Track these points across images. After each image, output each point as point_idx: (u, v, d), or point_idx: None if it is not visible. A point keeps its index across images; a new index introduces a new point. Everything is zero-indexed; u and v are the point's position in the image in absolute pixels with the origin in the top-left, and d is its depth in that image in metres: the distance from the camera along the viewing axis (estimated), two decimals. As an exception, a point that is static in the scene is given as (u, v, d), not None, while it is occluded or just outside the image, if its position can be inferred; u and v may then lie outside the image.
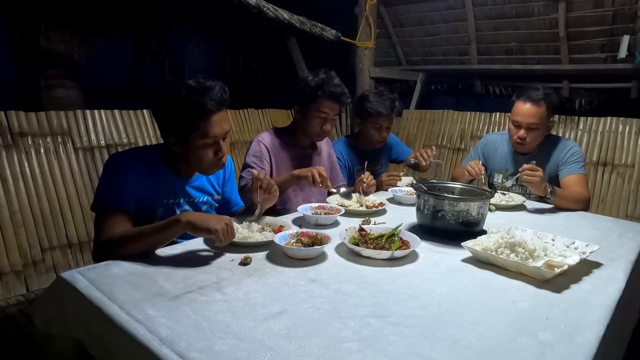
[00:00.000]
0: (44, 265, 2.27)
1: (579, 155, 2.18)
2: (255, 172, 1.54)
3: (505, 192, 2.17)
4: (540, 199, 2.13)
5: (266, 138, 2.04)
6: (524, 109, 2.12)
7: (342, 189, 1.97)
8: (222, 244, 1.26)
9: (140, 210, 1.43)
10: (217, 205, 1.69)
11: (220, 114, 1.39)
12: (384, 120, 2.47)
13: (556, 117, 3.53)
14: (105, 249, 1.27)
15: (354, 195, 1.96)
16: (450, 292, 1.12)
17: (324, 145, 2.27)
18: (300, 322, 0.94)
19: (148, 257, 1.26)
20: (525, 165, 1.93)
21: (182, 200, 1.55)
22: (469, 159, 2.54)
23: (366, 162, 2.24)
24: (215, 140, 1.40)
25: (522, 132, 2.14)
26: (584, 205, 2.06)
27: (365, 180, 2.03)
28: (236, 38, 4.99)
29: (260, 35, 4.95)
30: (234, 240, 1.35)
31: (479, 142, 2.56)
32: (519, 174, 1.96)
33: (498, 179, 2.39)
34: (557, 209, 2.02)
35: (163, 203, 1.50)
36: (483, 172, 2.22)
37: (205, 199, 1.63)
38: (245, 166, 1.98)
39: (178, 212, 1.54)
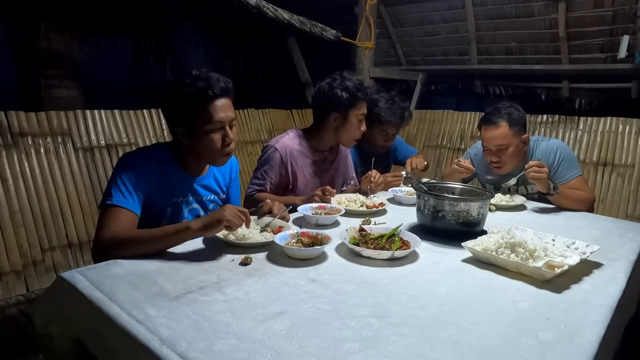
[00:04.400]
0: (44, 265, 2.27)
1: (568, 158, 2.11)
2: (273, 206, 1.58)
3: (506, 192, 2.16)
4: (541, 198, 2.12)
5: (286, 145, 1.98)
6: (487, 134, 2.08)
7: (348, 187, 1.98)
8: (238, 225, 1.28)
9: (150, 210, 1.45)
10: (222, 204, 1.71)
11: (224, 100, 1.44)
12: (392, 128, 2.47)
13: (556, 117, 3.54)
14: (106, 248, 1.27)
15: (355, 195, 1.96)
16: (450, 292, 1.12)
17: (342, 148, 2.23)
18: (300, 322, 0.94)
19: (148, 257, 1.25)
20: (531, 162, 1.88)
21: (191, 198, 1.58)
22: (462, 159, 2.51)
23: (373, 160, 2.23)
24: (221, 125, 1.44)
25: (494, 157, 2.09)
26: (588, 206, 2.04)
27: (372, 178, 2.02)
28: (236, 38, 4.99)
29: (260, 35, 4.96)
30: (234, 241, 1.35)
31: (470, 148, 2.51)
32: (521, 173, 1.95)
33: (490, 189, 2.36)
34: (557, 209, 2.02)
35: (172, 202, 1.52)
36: (468, 164, 2.18)
37: (212, 198, 1.65)
38: (256, 174, 1.98)
39: (186, 211, 1.57)
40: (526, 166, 1.90)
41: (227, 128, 1.46)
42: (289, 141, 2.00)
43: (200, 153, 1.50)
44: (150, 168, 1.45)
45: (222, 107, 1.43)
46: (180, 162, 1.54)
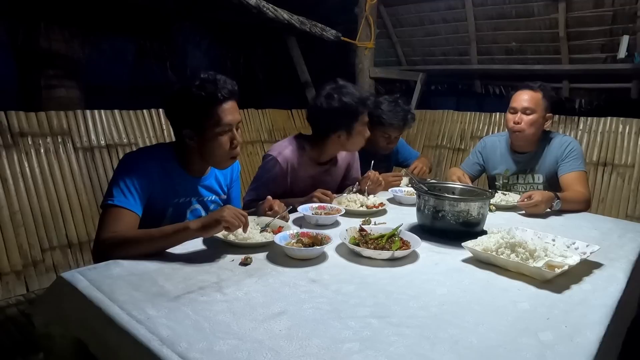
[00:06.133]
0: (44, 265, 2.27)
1: (577, 151, 2.18)
2: (274, 204, 1.58)
3: (505, 192, 2.17)
4: None
5: (288, 158, 1.93)
6: (520, 94, 2.20)
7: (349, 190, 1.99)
8: (237, 226, 1.27)
9: (151, 210, 1.45)
10: (223, 205, 1.70)
11: (232, 103, 1.46)
12: (394, 131, 2.47)
13: (556, 117, 3.54)
14: (106, 248, 1.27)
15: (355, 195, 1.96)
16: (450, 292, 1.12)
17: (343, 153, 2.19)
18: (300, 322, 0.94)
19: (148, 257, 1.25)
20: (520, 204, 1.88)
21: (193, 198, 1.58)
22: (467, 162, 2.53)
23: (372, 162, 2.23)
24: (229, 128, 1.45)
25: (517, 117, 2.17)
26: (586, 205, 2.06)
27: (370, 178, 2.01)
28: (237, 38, 4.99)
29: (261, 35, 4.95)
30: (234, 241, 1.35)
31: (477, 144, 2.55)
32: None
33: (499, 180, 2.39)
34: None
35: (174, 202, 1.52)
36: (468, 181, 2.18)
37: (213, 198, 1.66)
38: (257, 182, 1.95)
39: (188, 211, 1.57)
40: (518, 203, 1.90)
41: (235, 130, 1.47)
42: (291, 154, 1.95)
43: (207, 156, 1.50)
44: (152, 168, 1.45)
45: (230, 110, 1.44)
46: (182, 163, 1.54)
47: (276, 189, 1.92)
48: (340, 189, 2.23)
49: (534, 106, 2.15)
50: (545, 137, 2.26)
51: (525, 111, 2.16)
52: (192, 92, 1.39)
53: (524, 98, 2.18)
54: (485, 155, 2.45)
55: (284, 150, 1.95)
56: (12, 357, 1.70)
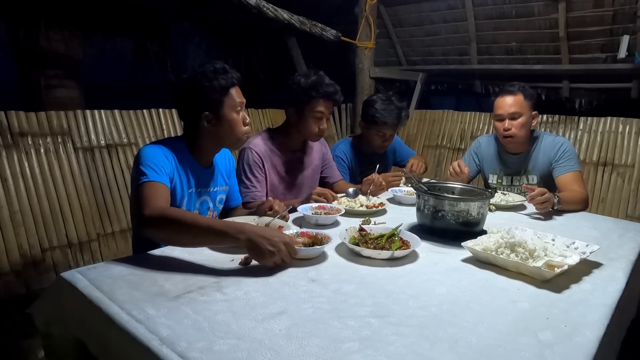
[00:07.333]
0: (44, 265, 2.27)
1: (571, 152, 2.18)
2: (274, 204, 1.60)
3: (505, 192, 2.17)
4: None
5: (258, 144, 2.05)
6: (503, 101, 2.19)
7: (350, 190, 2.00)
8: (281, 265, 1.22)
9: (170, 200, 1.47)
10: (225, 195, 1.79)
11: (238, 87, 1.60)
12: (388, 129, 2.47)
13: (556, 117, 3.54)
14: (154, 222, 1.25)
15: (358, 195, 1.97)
16: (450, 292, 1.12)
17: (316, 145, 2.28)
18: (300, 322, 0.94)
19: (148, 257, 1.26)
20: (530, 196, 1.85)
21: (202, 189, 1.64)
22: (464, 162, 2.53)
23: (377, 166, 2.24)
24: (242, 107, 1.59)
25: (506, 124, 2.17)
26: (584, 205, 2.06)
27: (375, 182, 2.04)
28: (237, 38, 4.99)
29: (261, 35, 4.96)
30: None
31: (472, 145, 2.56)
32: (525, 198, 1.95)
33: (493, 179, 2.39)
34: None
35: (188, 193, 1.58)
36: (466, 171, 2.19)
37: (219, 189, 1.73)
38: (243, 180, 2.00)
39: (197, 202, 1.63)
40: (528, 197, 1.87)
41: (244, 110, 1.59)
42: (261, 141, 2.07)
43: (225, 135, 1.57)
44: (170, 157, 1.50)
45: (239, 93, 1.58)
46: (193, 154, 1.60)
47: (261, 176, 2.03)
48: (322, 180, 2.32)
49: (520, 109, 2.15)
50: (536, 138, 2.27)
51: (512, 116, 2.16)
52: (211, 76, 1.50)
53: (508, 103, 2.17)
54: (480, 155, 2.46)
55: (253, 140, 2.07)
56: (12, 356, 1.70)
